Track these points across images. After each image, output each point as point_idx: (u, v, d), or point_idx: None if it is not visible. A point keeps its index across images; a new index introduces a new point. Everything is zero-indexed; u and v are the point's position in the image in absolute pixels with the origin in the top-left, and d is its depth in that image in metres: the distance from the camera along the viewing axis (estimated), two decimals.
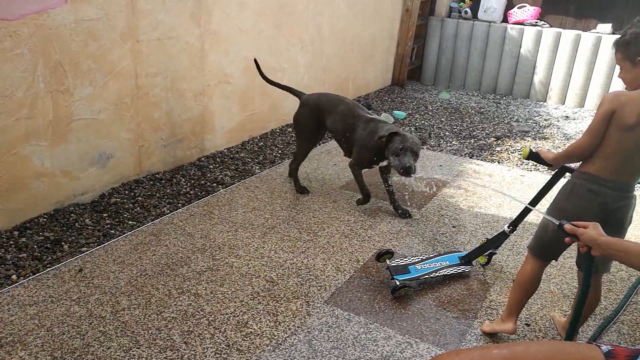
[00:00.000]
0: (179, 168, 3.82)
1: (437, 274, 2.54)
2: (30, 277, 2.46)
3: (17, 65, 2.68)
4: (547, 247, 2.05)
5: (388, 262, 2.54)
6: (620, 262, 1.34)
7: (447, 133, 5.12)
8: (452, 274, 2.59)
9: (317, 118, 3.39)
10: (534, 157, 2.14)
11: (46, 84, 2.84)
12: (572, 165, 2.15)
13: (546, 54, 6.37)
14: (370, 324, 2.24)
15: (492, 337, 2.22)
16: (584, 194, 1.92)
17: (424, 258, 2.65)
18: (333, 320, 2.25)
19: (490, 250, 2.66)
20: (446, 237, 3.05)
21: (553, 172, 2.27)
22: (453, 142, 4.86)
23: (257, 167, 4.00)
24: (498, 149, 4.71)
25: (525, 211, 2.43)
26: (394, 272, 2.47)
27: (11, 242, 2.73)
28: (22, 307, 2.23)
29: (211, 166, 3.94)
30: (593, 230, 1.42)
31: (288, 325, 2.20)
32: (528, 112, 6.03)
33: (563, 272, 2.71)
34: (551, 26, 6.50)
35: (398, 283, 2.41)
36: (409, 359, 2.04)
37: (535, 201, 2.33)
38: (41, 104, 2.84)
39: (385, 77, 6.95)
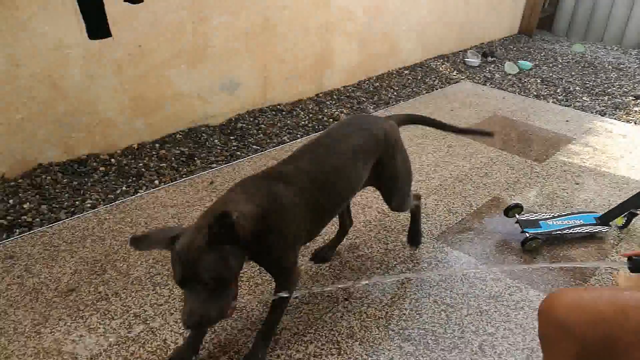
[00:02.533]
0: (299, 102, 3.98)
1: (570, 231, 2.40)
2: (170, 184, 2.78)
3: None
4: None
5: (517, 216, 2.49)
6: None
7: (577, 88, 4.73)
8: (586, 232, 2.44)
9: None
10: None
11: (188, 11, 3.05)
12: None
13: None
14: (480, 264, 2.26)
15: None
16: None
17: (555, 215, 2.52)
18: (442, 256, 2.30)
19: (630, 210, 2.44)
20: (567, 193, 2.91)
21: None
22: (583, 98, 4.49)
23: (372, 107, 4.04)
24: (636, 109, 4.28)
25: None
26: (524, 226, 2.41)
27: (153, 153, 3.08)
28: (164, 207, 2.54)
29: (328, 102, 4.04)
30: None
31: (398, 254, 2.29)
32: None
33: None
34: None
35: (528, 235, 2.35)
36: (518, 302, 2.04)
37: None
38: (183, 30, 3.08)
39: (512, 24, 6.49)
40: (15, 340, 1.74)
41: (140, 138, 3.15)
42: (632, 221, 2.53)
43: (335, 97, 4.17)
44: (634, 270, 1.21)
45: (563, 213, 2.55)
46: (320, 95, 4.16)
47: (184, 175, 2.88)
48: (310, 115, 3.79)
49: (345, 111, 3.91)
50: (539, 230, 2.39)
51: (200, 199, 2.63)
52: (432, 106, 4.08)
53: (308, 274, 2.13)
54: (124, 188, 2.70)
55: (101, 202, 2.56)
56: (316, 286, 2.06)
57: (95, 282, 2.01)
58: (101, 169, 2.84)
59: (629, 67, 5.41)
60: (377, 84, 4.53)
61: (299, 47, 3.86)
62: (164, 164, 2.98)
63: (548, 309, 1.16)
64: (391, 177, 1.94)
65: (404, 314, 1.95)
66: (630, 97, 4.53)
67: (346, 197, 1.78)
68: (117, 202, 2.57)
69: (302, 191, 1.58)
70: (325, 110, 3.89)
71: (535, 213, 2.58)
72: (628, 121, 4.02)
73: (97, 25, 2.16)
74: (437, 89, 4.52)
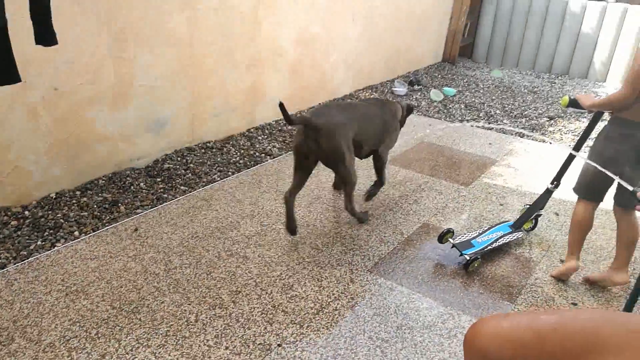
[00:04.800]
0: (230, 138, 3.92)
1: (497, 244, 2.59)
2: (91, 234, 2.62)
3: (83, 30, 2.80)
4: (588, 186, 2.27)
5: (452, 241, 2.57)
6: None
7: (497, 111, 4.99)
8: (510, 241, 2.64)
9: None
10: (573, 103, 2.35)
11: (109, 50, 2.96)
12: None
13: (611, 31, 6.05)
14: (413, 294, 2.27)
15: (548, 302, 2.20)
16: (616, 137, 2.12)
17: (480, 232, 2.68)
18: (376, 289, 2.29)
19: (535, 214, 2.72)
20: (492, 214, 3.01)
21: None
22: (504, 121, 4.73)
23: None
24: (550, 129, 4.56)
25: (569, 160, 2.53)
26: (461, 248, 2.52)
27: (74, 201, 2.91)
28: (84, 261, 2.39)
29: (260, 137, 4.02)
30: None
31: (332, 291, 2.26)
32: (585, 92, 5.77)
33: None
34: (617, 1, 6.14)
35: (468, 257, 2.45)
36: (451, 329, 2.06)
37: (577, 148, 2.51)
38: (104, 70, 2.97)
39: (437, 52, 6.81)
40: None
41: (59, 186, 2.97)
42: (538, 222, 2.85)
43: (267, 131, 4.15)
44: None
45: (485, 228, 2.73)
46: (252, 130, 4.13)
47: (106, 224, 2.73)
48: (242, 151, 3.74)
49: (277, 145, 3.89)
50: (475, 250, 2.51)
51: (124, 249, 2.49)
52: None
53: (239, 321, 2.05)
54: (39, 243, 2.52)
55: (12, 261, 2.37)
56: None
57: (1, 355, 1.83)
58: (13, 223, 2.64)
59: (542, 90, 5.79)
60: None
61: (228, 82, 3.83)
62: (85, 213, 2.82)
63: (471, 339, 1.18)
64: None
65: (339, 355, 1.90)
66: (545, 118, 4.83)
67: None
68: (30, 259, 2.39)
69: None
70: (257, 146, 3.86)
71: (464, 234, 2.66)
72: (543, 141, 4.27)
73: (3, 70, 2.02)
74: None
